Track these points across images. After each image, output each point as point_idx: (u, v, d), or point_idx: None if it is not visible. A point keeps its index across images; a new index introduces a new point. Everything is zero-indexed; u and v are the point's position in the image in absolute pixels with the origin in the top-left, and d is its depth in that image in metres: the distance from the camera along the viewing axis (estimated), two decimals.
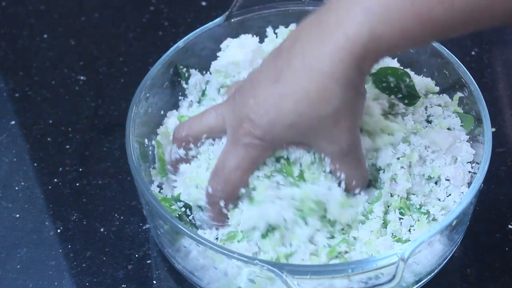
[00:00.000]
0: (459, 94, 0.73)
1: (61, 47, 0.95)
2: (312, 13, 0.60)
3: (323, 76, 0.57)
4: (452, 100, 0.74)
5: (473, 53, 0.91)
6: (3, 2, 1.01)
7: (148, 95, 0.73)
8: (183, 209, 0.69)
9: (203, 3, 1.00)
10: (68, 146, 0.83)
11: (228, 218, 0.65)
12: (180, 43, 0.76)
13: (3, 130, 0.84)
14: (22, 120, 0.86)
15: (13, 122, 0.85)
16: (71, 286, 0.70)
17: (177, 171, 0.70)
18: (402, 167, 0.67)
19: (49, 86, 0.89)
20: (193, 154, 0.68)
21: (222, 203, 0.64)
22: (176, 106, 0.78)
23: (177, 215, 0.68)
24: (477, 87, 0.70)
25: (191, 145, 0.67)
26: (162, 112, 0.77)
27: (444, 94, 0.75)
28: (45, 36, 0.96)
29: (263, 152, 0.62)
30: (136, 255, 0.72)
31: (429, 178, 0.69)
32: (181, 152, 0.68)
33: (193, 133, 0.67)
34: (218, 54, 0.77)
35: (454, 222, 0.62)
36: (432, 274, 0.66)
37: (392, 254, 0.57)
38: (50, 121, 0.85)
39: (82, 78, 0.90)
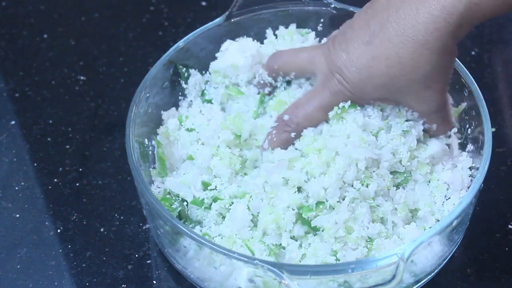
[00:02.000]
0: (463, 104, 0.72)
1: (61, 47, 0.95)
2: None
3: (417, 43, 0.60)
4: (457, 107, 0.73)
5: (473, 53, 0.91)
6: (3, 2, 1.01)
7: (148, 95, 0.73)
8: (185, 203, 0.69)
9: (203, 3, 1.00)
10: (68, 146, 0.83)
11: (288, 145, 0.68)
12: (180, 43, 0.76)
13: (3, 130, 0.84)
14: (22, 120, 0.86)
15: (13, 122, 0.85)
16: (71, 286, 0.70)
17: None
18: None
19: (49, 86, 0.89)
20: (276, 85, 0.74)
21: (293, 135, 0.68)
22: (176, 106, 0.78)
23: (177, 214, 0.68)
24: (477, 87, 0.70)
25: (279, 78, 0.73)
26: (162, 112, 0.77)
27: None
28: (45, 36, 0.96)
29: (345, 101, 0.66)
30: (136, 255, 0.72)
31: (429, 182, 0.69)
32: (268, 79, 0.73)
33: (284, 67, 0.72)
34: (217, 55, 0.77)
35: (454, 222, 0.62)
36: (432, 274, 0.66)
37: (392, 254, 0.57)
38: (50, 121, 0.85)
39: (82, 78, 0.90)
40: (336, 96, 0.66)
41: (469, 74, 0.71)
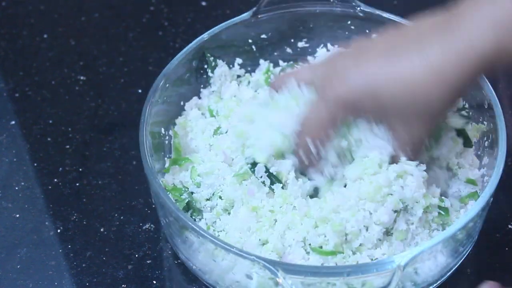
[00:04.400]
0: (482, 126, 0.72)
1: (61, 47, 0.95)
2: (428, 15, 0.61)
3: (438, 73, 0.57)
4: (478, 125, 0.73)
5: None
6: (3, 2, 1.01)
7: (167, 84, 0.73)
8: (194, 194, 0.69)
9: (203, 3, 1.00)
10: (68, 146, 0.83)
11: (319, 159, 0.66)
12: (205, 35, 0.76)
13: (3, 130, 0.84)
14: (22, 120, 0.86)
15: (13, 122, 0.85)
16: (71, 286, 0.70)
17: None
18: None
19: (49, 86, 0.89)
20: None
21: (302, 154, 0.65)
22: (197, 96, 0.79)
23: (185, 204, 0.68)
24: (499, 105, 0.68)
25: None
26: (182, 103, 0.77)
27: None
28: (45, 36, 0.96)
29: (341, 109, 0.63)
30: (136, 255, 0.72)
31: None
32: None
33: (287, 83, 0.68)
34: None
35: (458, 234, 0.61)
36: (434, 285, 0.66)
37: (390, 261, 0.57)
38: (50, 121, 0.85)
39: (82, 78, 0.90)
40: (327, 104, 0.63)
41: (493, 91, 0.69)
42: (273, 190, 0.66)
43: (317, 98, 0.64)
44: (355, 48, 0.65)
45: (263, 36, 0.80)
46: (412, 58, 0.58)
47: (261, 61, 0.81)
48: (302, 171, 0.67)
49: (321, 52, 0.81)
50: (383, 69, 0.59)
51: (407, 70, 0.58)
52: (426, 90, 0.58)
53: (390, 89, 0.59)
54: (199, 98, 0.79)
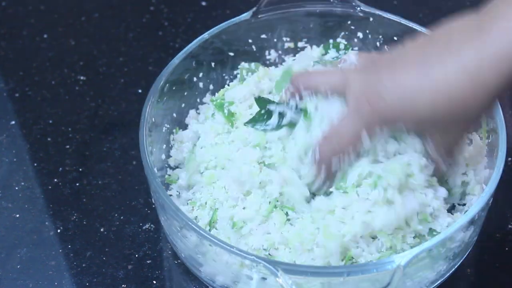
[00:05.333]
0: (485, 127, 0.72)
1: (61, 47, 0.95)
2: (462, 16, 0.58)
3: (474, 78, 0.55)
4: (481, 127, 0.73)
5: None
6: (3, 2, 1.01)
7: (167, 84, 0.73)
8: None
9: (203, 3, 1.00)
10: (68, 146, 0.83)
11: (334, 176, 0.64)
12: (205, 35, 0.76)
13: (3, 130, 0.84)
14: (22, 120, 0.86)
15: (13, 122, 0.85)
16: (71, 286, 0.70)
17: None
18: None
19: (49, 86, 0.89)
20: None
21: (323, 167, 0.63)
22: (195, 102, 0.79)
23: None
24: (499, 106, 0.68)
25: (302, 93, 0.66)
26: (183, 105, 0.77)
27: None
28: (45, 36, 0.96)
29: (377, 124, 0.62)
30: (136, 255, 0.72)
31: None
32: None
33: (313, 83, 0.66)
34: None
35: (458, 234, 0.61)
36: (435, 285, 0.66)
37: (390, 261, 0.57)
38: (50, 121, 0.85)
39: (82, 78, 0.90)
40: (365, 122, 0.61)
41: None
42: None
43: (349, 110, 0.63)
44: (387, 58, 0.62)
45: (263, 36, 0.80)
46: (446, 65, 0.56)
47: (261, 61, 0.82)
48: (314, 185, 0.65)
49: (350, 54, 0.79)
50: (419, 81, 0.58)
51: (442, 77, 0.56)
52: (463, 96, 0.56)
53: (429, 103, 0.58)
54: (201, 99, 0.79)
